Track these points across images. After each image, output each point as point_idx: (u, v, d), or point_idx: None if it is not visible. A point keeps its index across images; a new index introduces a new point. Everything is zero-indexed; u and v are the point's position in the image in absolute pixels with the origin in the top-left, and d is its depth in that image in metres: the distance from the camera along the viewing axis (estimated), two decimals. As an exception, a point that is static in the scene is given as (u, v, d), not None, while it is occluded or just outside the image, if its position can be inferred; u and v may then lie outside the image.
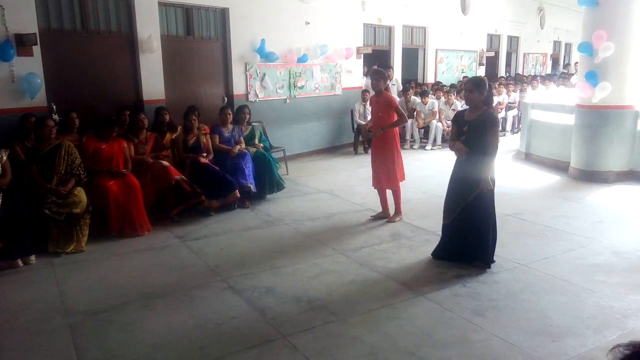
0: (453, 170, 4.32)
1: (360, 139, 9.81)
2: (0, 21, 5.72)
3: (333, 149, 10.06)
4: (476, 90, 4.08)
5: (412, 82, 11.75)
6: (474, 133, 4.07)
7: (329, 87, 9.84)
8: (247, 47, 8.29)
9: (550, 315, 3.46)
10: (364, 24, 10.46)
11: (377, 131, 5.29)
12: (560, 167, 7.84)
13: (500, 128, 4.09)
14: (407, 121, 5.42)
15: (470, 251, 4.25)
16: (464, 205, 4.16)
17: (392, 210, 5.64)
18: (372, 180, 5.64)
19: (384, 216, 5.62)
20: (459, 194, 4.21)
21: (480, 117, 4.04)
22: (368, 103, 9.81)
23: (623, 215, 5.70)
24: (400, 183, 5.50)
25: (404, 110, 10.45)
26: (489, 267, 4.19)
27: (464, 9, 13.33)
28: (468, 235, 4.22)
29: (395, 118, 5.31)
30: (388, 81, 10.84)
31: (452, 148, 4.30)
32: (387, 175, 5.41)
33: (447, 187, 4.38)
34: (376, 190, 5.67)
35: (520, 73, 16.28)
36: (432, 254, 4.48)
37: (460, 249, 4.29)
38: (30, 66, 5.97)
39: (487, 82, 4.20)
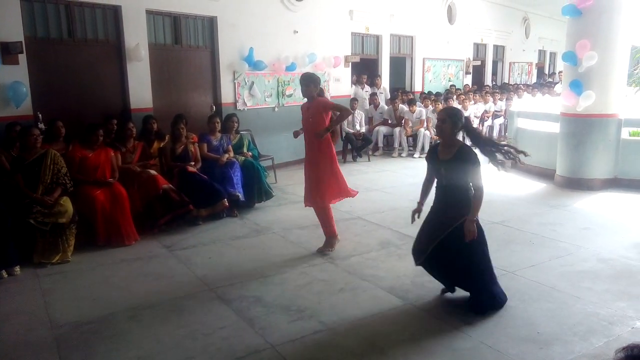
0: (431, 210, 3.82)
1: (349, 146, 9.86)
2: (-15, 29, 5.67)
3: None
4: (450, 121, 3.57)
5: (400, 91, 11.83)
6: (453, 173, 3.57)
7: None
8: (236, 55, 8.29)
9: (537, 322, 3.48)
10: (351, 32, 10.54)
11: (321, 131, 4.61)
12: (546, 174, 7.92)
13: (480, 166, 3.51)
14: (350, 112, 4.90)
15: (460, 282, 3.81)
16: (441, 240, 3.62)
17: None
18: (304, 198, 4.97)
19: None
20: (432, 231, 3.71)
21: (458, 156, 3.53)
22: (356, 112, 9.88)
23: (608, 223, 5.77)
24: (353, 196, 5.01)
25: (392, 119, 10.64)
26: (495, 308, 3.64)
27: (450, 19, 13.49)
28: (450, 265, 3.72)
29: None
30: (368, 87, 11.06)
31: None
32: (316, 190, 4.79)
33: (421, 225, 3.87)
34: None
35: (507, 82, 16.47)
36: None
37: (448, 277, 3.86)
38: (16, 74, 5.91)
39: (462, 114, 3.69)
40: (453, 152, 3.56)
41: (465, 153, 3.53)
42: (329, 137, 4.76)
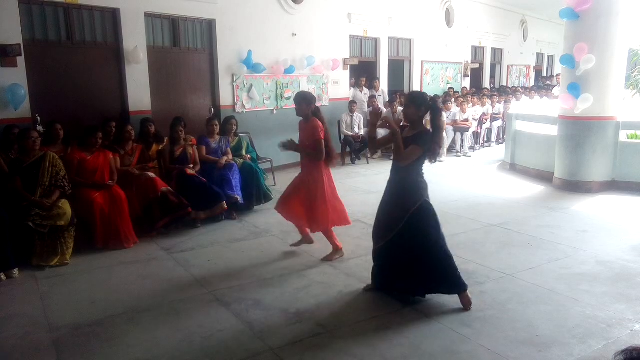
0: (384, 192, 3.90)
1: (348, 149, 9.87)
2: (-17, 32, 5.67)
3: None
4: (412, 106, 3.67)
5: (399, 94, 11.84)
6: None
7: (316, 98, 9.86)
8: (234, 58, 8.31)
9: (536, 325, 3.48)
10: (350, 35, 10.56)
11: (290, 147, 4.56)
12: (544, 177, 7.94)
13: (422, 150, 3.59)
14: (321, 158, 4.54)
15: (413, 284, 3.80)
16: (398, 231, 3.70)
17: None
18: (278, 201, 4.94)
19: (306, 241, 5.01)
20: (388, 220, 3.78)
21: (414, 136, 3.64)
22: (355, 115, 9.89)
23: (607, 225, 5.78)
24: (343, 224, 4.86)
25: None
26: (462, 290, 3.72)
27: (448, 22, 13.53)
28: (405, 265, 3.77)
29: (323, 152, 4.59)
30: (377, 93, 11.08)
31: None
32: (310, 213, 4.68)
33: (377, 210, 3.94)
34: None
35: (505, 85, 16.51)
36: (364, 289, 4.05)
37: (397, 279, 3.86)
38: (14, 77, 5.91)
39: (426, 97, 3.77)
40: (413, 133, 3.69)
41: (421, 135, 3.63)
42: (321, 164, 4.62)
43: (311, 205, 4.63)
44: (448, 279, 3.71)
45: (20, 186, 4.73)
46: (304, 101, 4.66)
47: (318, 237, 4.96)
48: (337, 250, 4.80)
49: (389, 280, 3.89)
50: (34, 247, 4.63)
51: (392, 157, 3.82)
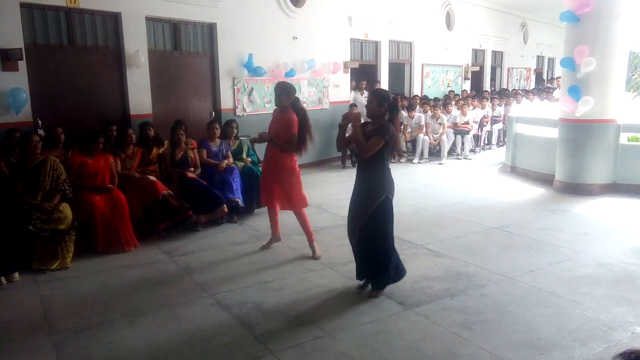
0: (353, 189, 4.07)
1: (349, 152, 9.87)
2: (-15, 36, 5.69)
3: (321, 163, 10.09)
4: (375, 101, 3.85)
5: (399, 96, 11.86)
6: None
7: (316, 102, 9.89)
8: (235, 61, 8.32)
9: (537, 327, 3.48)
10: (350, 39, 10.58)
11: (265, 139, 4.80)
12: (545, 179, 7.94)
13: (384, 140, 3.75)
14: (295, 151, 4.74)
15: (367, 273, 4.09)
16: (362, 225, 3.90)
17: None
18: (261, 195, 5.22)
19: (275, 240, 5.17)
20: (356, 213, 3.97)
21: (376, 129, 3.81)
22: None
23: (607, 228, 5.77)
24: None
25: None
26: (381, 289, 3.98)
27: (449, 25, 13.55)
28: (367, 256, 4.02)
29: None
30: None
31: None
32: (287, 197, 4.89)
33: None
34: (267, 208, 5.17)
35: (505, 87, 16.52)
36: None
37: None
38: (16, 81, 5.93)
39: (389, 95, 3.96)
40: (374, 127, 3.85)
41: (382, 127, 3.79)
42: (293, 155, 4.79)
43: (288, 190, 4.84)
44: (381, 272, 3.96)
45: (21, 190, 4.73)
46: (284, 93, 4.72)
47: (320, 240, 4.94)
48: (312, 242, 4.95)
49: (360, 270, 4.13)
50: (34, 250, 4.63)
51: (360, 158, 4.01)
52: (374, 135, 3.76)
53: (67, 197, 4.95)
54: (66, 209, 4.82)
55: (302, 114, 4.78)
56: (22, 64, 5.98)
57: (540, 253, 4.95)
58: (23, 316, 3.77)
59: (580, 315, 3.66)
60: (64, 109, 6.49)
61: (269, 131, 4.92)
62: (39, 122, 6.11)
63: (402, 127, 10.44)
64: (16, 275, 4.44)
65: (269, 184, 4.96)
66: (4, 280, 4.34)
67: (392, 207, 3.94)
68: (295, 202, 4.89)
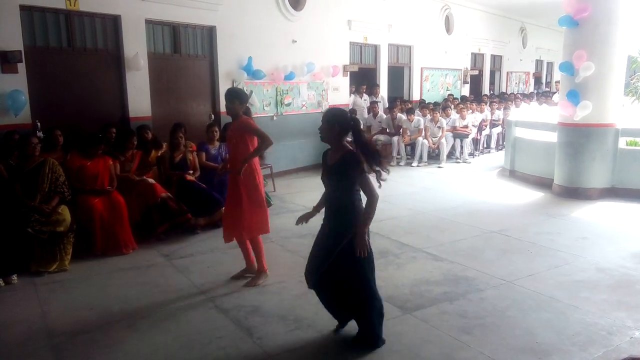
0: (322, 225, 3.45)
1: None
2: (-16, 38, 5.69)
3: (320, 166, 10.03)
4: (324, 124, 3.27)
5: (399, 100, 11.88)
6: (335, 180, 3.26)
7: (315, 105, 9.90)
8: (234, 64, 8.33)
9: (536, 332, 3.47)
10: (350, 42, 10.60)
11: (240, 166, 4.17)
12: (544, 184, 7.94)
13: (366, 173, 3.18)
14: (272, 141, 4.23)
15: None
16: (328, 266, 3.26)
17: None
18: (223, 233, 4.44)
19: (249, 272, 4.48)
20: (319, 253, 3.35)
21: (341, 162, 3.20)
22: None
23: (606, 232, 5.77)
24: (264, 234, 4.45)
25: (390, 128, 10.66)
26: (376, 347, 3.29)
27: (448, 29, 13.58)
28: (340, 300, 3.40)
29: (256, 144, 4.27)
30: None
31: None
32: (247, 220, 4.26)
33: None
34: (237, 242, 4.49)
35: (504, 91, 16.56)
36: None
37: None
38: (15, 83, 5.92)
39: (342, 114, 3.34)
40: (337, 157, 3.24)
41: (348, 159, 3.17)
42: (255, 165, 4.31)
43: (247, 208, 4.25)
44: (366, 326, 3.30)
45: (20, 192, 4.72)
46: (237, 98, 4.27)
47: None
48: (263, 272, 4.39)
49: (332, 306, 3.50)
50: (33, 253, 4.62)
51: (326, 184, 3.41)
52: (357, 175, 3.15)
53: (66, 200, 4.94)
54: (65, 212, 4.81)
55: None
56: (22, 66, 5.98)
57: (539, 257, 4.95)
58: (21, 319, 3.76)
59: (579, 319, 3.65)
60: (63, 111, 6.49)
61: (228, 148, 4.52)
62: (38, 124, 6.11)
63: (401, 130, 10.46)
64: (14, 277, 4.43)
65: (231, 212, 4.38)
66: (2, 283, 4.34)
67: (371, 251, 3.27)
68: (247, 226, 4.26)
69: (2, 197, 4.73)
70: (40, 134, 5.92)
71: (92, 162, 5.28)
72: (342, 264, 3.20)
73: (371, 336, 3.30)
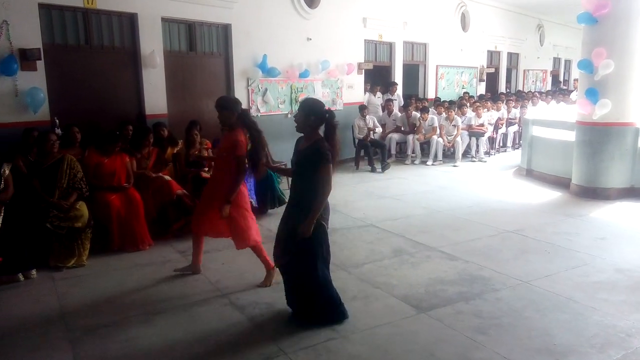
0: (284, 210, 3.64)
1: (362, 153, 9.84)
2: (4, 36, 5.78)
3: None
4: (301, 112, 3.36)
5: (413, 98, 11.81)
6: (302, 166, 3.39)
7: (330, 103, 9.88)
8: (249, 62, 8.35)
9: (553, 333, 3.43)
10: (365, 40, 10.56)
11: (223, 204, 4.06)
12: (561, 183, 7.84)
13: (330, 164, 3.28)
14: (244, 176, 4.17)
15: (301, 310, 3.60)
16: (288, 251, 3.45)
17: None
18: (192, 222, 4.50)
19: (192, 270, 4.49)
20: (281, 236, 3.53)
21: (308, 150, 3.31)
22: (367, 117, 9.86)
23: (626, 232, 5.68)
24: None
25: (405, 126, 10.60)
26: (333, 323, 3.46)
27: (464, 26, 13.47)
28: (296, 292, 3.59)
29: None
30: (390, 96, 11.03)
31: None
32: (234, 230, 4.23)
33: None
34: (194, 234, 4.49)
35: (521, 89, 16.38)
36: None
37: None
38: (34, 81, 6.01)
39: (320, 106, 3.40)
40: (307, 144, 3.38)
41: (316, 147, 3.27)
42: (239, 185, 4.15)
43: (235, 221, 4.16)
44: (321, 310, 3.49)
45: (39, 188, 4.79)
46: (226, 107, 4.16)
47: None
48: (270, 271, 4.29)
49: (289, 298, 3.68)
50: (51, 248, 4.69)
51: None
52: (320, 166, 3.24)
53: (84, 196, 5.00)
54: (83, 208, 4.88)
55: (253, 127, 4.20)
56: (40, 64, 6.06)
57: (557, 258, 4.89)
58: (40, 313, 3.82)
59: (597, 321, 3.60)
60: (81, 108, 6.56)
61: (215, 160, 4.46)
62: (57, 121, 6.19)
63: (415, 128, 10.40)
64: (33, 272, 4.50)
65: (204, 207, 4.32)
66: (21, 277, 4.40)
67: (325, 236, 3.43)
68: (238, 234, 4.23)
69: (21, 193, 4.80)
70: (58, 130, 6.00)
71: (109, 159, 5.34)
72: (297, 256, 3.38)
73: (331, 313, 3.51)
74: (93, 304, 3.96)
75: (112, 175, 5.29)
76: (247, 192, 4.43)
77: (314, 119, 3.32)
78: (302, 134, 3.47)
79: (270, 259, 4.18)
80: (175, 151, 6.27)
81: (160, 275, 4.55)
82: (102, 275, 4.58)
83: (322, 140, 3.34)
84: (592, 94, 7.03)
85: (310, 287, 3.44)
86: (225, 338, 3.41)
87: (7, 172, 4.69)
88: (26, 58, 5.87)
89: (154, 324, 3.62)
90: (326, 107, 3.46)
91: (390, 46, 11.45)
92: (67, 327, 3.59)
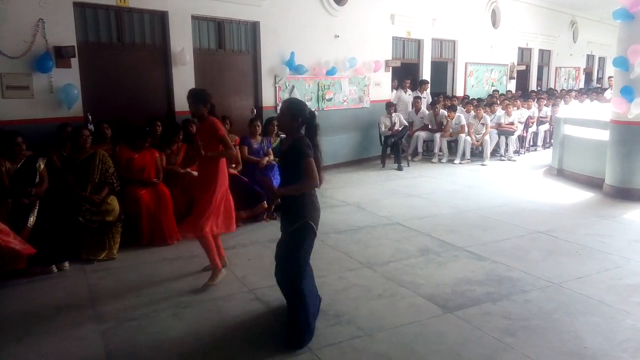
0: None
1: (388, 151, 9.78)
2: (40, 34, 5.93)
3: (360, 162, 10.05)
4: (288, 114, 3.31)
5: (441, 96, 11.68)
6: (286, 166, 3.38)
7: (357, 100, 9.86)
8: (277, 59, 8.39)
9: (584, 337, 3.36)
10: (393, 37, 10.49)
11: (204, 154, 4.08)
12: (594, 183, 7.64)
13: (312, 155, 3.22)
14: (234, 154, 4.31)
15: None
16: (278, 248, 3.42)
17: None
18: (182, 228, 4.54)
19: (219, 275, 4.34)
20: (279, 246, 3.44)
21: (290, 149, 3.27)
22: (394, 115, 9.79)
23: (661, 235, 5.51)
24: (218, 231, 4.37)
25: (433, 124, 10.49)
26: (296, 348, 3.21)
27: (494, 23, 13.23)
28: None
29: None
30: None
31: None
32: (196, 214, 4.21)
33: None
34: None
35: (553, 87, 16.01)
36: None
37: None
38: (68, 77, 6.16)
39: (305, 108, 3.34)
40: (289, 142, 3.33)
41: (297, 144, 3.23)
42: (221, 167, 4.23)
43: (201, 205, 4.18)
44: (290, 325, 3.29)
45: (72, 182, 4.92)
46: (199, 100, 4.18)
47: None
48: (217, 270, 4.26)
49: None
50: (83, 241, 4.82)
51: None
52: (302, 160, 3.18)
53: (115, 191, 5.12)
54: (114, 202, 4.99)
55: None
56: (75, 61, 6.21)
57: (589, 260, 4.77)
58: (72, 304, 3.93)
59: (630, 325, 3.50)
60: (113, 104, 6.70)
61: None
62: (89, 117, 6.33)
63: (442, 126, 10.28)
64: (66, 264, 4.63)
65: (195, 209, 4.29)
66: (54, 269, 4.54)
67: (311, 238, 3.32)
68: (191, 220, 4.23)
69: (55, 187, 4.94)
70: (91, 126, 6.15)
71: (139, 155, 5.44)
72: (284, 248, 3.32)
73: (296, 333, 3.25)
74: (123, 297, 4.05)
75: (142, 171, 5.40)
76: (227, 179, 4.37)
77: (300, 120, 3.30)
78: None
79: (219, 260, 4.30)
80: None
81: (188, 270, 4.62)
82: (132, 268, 4.67)
83: (300, 136, 3.30)
84: (628, 92, 6.82)
85: (292, 284, 3.32)
86: (251, 333, 3.44)
87: (42, 166, 4.84)
88: (61, 55, 6.02)
89: (182, 317, 3.68)
90: (309, 108, 3.41)
91: (419, 43, 11.34)
92: (97, 318, 3.69)
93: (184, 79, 7.26)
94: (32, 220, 4.58)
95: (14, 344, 3.34)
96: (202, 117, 4.26)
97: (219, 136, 4.18)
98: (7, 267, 4.23)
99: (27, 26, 5.86)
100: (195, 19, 7.42)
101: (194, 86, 7.36)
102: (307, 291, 3.37)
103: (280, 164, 3.44)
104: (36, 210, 4.64)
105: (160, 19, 7.08)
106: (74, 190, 4.89)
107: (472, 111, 10.49)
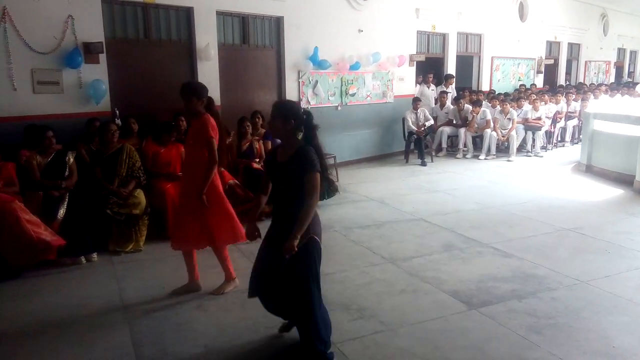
0: (267, 231, 3.15)
1: (412, 147, 9.71)
2: (69, 30, 6.06)
3: (383, 157, 10.00)
4: (279, 118, 2.94)
5: (467, 90, 11.52)
6: (288, 179, 2.94)
7: (380, 95, 9.80)
8: (301, 54, 8.39)
9: (612, 336, 3.29)
10: (417, 31, 10.38)
11: (198, 194, 3.72)
12: (624, 180, 7.45)
13: (317, 171, 2.92)
14: (215, 163, 3.78)
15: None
16: (276, 278, 2.98)
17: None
18: (172, 240, 4.04)
19: (191, 289, 4.02)
20: (268, 260, 3.04)
21: (294, 160, 2.90)
22: (419, 110, 9.70)
23: (694, 234, 5.34)
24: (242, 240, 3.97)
25: (457, 119, 10.36)
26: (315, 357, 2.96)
27: (521, 16, 12.98)
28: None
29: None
30: (436, 88, 10.79)
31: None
32: (207, 229, 3.88)
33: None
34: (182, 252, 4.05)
35: (582, 81, 15.64)
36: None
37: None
38: (97, 73, 6.28)
39: (297, 109, 3.03)
40: (291, 153, 2.95)
41: (302, 155, 2.89)
42: (213, 182, 3.83)
43: (204, 219, 3.84)
44: (307, 342, 2.96)
45: (100, 176, 5.03)
46: (193, 94, 3.81)
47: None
48: (230, 280, 4.07)
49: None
50: (111, 233, 4.92)
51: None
52: (306, 175, 2.87)
53: (142, 184, 5.21)
54: (140, 195, 5.08)
55: (217, 117, 3.96)
56: (103, 57, 6.32)
57: (618, 258, 4.66)
58: (100, 294, 4.02)
59: (661, 325, 3.42)
60: (139, 99, 6.81)
61: (185, 149, 4.10)
62: (117, 112, 6.45)
63: (467, 122, 10.15)
64: (95, 255, 4.74)
65: (185, 220, 3.88)
66: (83, 260, 4.65)
67: (318, 255, 3.00)
68: (217, 235, 3.91)
69: (84, 181, 5.06)
70: (118, 121, 6.26)
71: (165, 149, 5.52)
72: (287, 272, 2.91)
73: (311, 351, 2.94)
74: (149, 288, 4.12)
75: (168, 165, 5.48)
76: (220, 183, 4.05)
77: (294, 122, 2.95)
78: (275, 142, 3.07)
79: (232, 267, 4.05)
80: (227, 142, 6.39)
81: (212, 263, 4.63)
82: (158, 260, 4.76)
83: (306, 146, 2.95)
84: (661, 86, 6.62)
85: (304, 314, 2.95)
86: (275, 326, 3.45)
87: (71, 160, 4.96)
88: (90, 51, 6.14)
89: (206, 310, 3.73)
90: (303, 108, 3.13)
91: (444, 37, 11.20)
92: (125, 308, 3.77)
93: (208, 74, 7.32)
94: (62, 212, 4.71)
95: (46, 332, 3.43)
96: (197, 112, 3.83)
97: (207, 139, 3.74)
98: (39, 258, 4.35)
99: (57, 23, 5.99)
100: (220, 14, 7.48)
101: (218, 81, 7.44)
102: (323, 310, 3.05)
103: (275, 176, 3.01)
104: (66, 202, 4.77)
105: (185, 15, 7.16)
106: (102, 184, 5.00)
107: (498, 106, 10.33)
